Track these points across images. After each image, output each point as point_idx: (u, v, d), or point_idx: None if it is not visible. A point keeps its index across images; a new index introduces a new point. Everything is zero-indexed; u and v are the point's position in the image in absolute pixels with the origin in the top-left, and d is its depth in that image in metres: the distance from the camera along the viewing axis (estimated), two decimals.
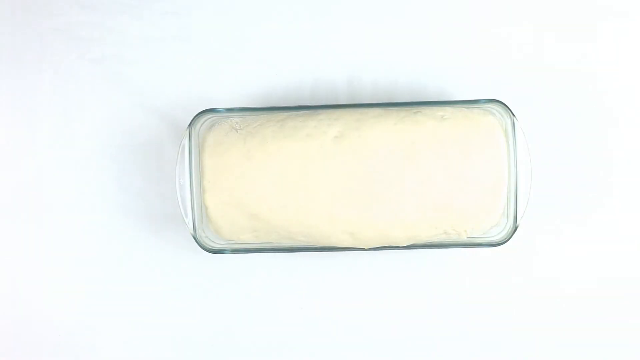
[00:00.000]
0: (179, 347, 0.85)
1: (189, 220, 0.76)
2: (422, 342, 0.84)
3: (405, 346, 0.84)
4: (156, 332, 0.85)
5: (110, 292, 0.85)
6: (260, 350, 0.85)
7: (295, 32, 0.83)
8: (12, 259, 0.85)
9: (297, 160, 0.73)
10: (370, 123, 0.74)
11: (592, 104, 0.83)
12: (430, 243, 0.77)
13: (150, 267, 0.84)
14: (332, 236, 0.74)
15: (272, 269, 0.84)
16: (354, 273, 0.84)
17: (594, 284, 0.83)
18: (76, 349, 0.85)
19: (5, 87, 0.85)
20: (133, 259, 0.84)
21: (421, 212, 0.73)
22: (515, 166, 0.74)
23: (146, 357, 0.85)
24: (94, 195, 0.84)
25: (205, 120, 0.77)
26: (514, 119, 0.74)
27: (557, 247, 0.83)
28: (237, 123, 0.76)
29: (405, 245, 0.75)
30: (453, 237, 0.75)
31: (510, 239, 0.76)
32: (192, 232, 0.76)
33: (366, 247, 0.76)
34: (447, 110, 0.75)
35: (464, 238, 0.75)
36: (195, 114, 0.77)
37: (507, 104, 0.75)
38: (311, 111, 0.76)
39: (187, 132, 0.76)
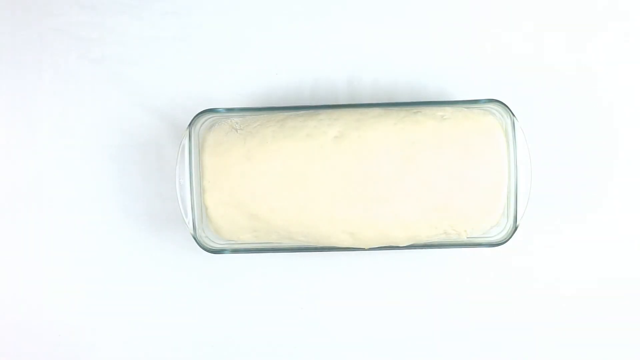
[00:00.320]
0: (179, 347, 0.85)
1: (189, 220, 0.76)
2: (422, 342, 0.84)
3: (405, 346, 0.84)
4: (156, 332, 0.85)
5: (110, 292, 0.85)
6: (261, 350, 0.85)
7: (295, 32, 0.84)
8: (12, 259, 0.85)
9: (297, 160, 0.73)
10: (370, 123, 0.74)
11: (592, 104, 0.83)
12: (430, 243, 0.77)
13: (150, 267, 0.84)
14: (332, 236, 0.74)
15: (272, 269, 0.84)
16: (354, 273, 0.84)
17: (594, 284, 0.83)
18: (76, 349, 0.85)
19: (5, 87, 0.85)
20: (133, 259, 0.84)
21: (421, 212, 0.73)
22: (515, 166, 0.74)
23: (146, 357, 0.85)
24: (94, 195, 0.84)
25: (205, 120, 0.77)
26: (514, 119, 0.74)
27: (557, 247, 0.83)
28: (237, 123, 0.76)
29: (405, 245, 0.75)
30: (453, 237, 0.75)
31: (510, 239, 0.75)
32: (192, 232, 0.76)
33: (366, 247, 0.76)
34: (447, 110, 0.75)
35: (464, 238, 0.75)
36: (195, 114, 0.77)
37: (507, 104, 0.75)
38: (311, 111, 0.76)
39: (187, 132, 0.76)
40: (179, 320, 0.85)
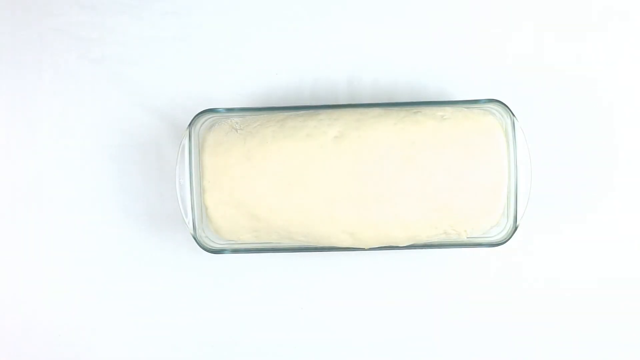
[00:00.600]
0: (179, 347, 0.85)
1: (189, 220, 0.76)
2: (422, 342, 0.84)
3: (405, 346, 0.84)
4: (156, 332, 0.85)
5: (110, 292, 0.85)
6: (260, 350, 0.85)
7: (295, 32, 0.84)
8: (12, 259, 0.85)
9: (297, 160, 0.73)
10: (370, 123, 0.74)
11: (592, 104, 0.83)
12: (430, 243, 0.77)
13: (150, 267, 0.84)
14: (332, 236, 0.74)
15: (272, 269, 0.84)
16: (354, 273, 0.84)
17: (594, 284, 0.83)
18: (76, 349, 0.85)
19: (5, 87, 0.85)
20: (133, 259, 0.84)
21: (421, 212, 0.73)
22: (515, 166, 0.74)
23: (146, 357, 0.85)
24: (94, 195, 0.84)
25: (205, 120, 0.77)
26: (514, 119, 0.74)
27: (557, 247, 0.83)
28: (237, 123, 0.76)
29: (405, 245, 0.75)
30: (453, 237, 0.75)
31: (510, 239, 0.75)
32: (192, 232, 0.76)
33: (366, 247, 0.76)
34: (447, 110, 0.75)
35: (464, 238, 0.75)
36: (195, 114, 0.77)
37: (507, 104, 0.75)
38: (311, 111, 0.76)
39: (187, 132, 0.76)
40: (178, 320, 0.85)
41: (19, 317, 0.85)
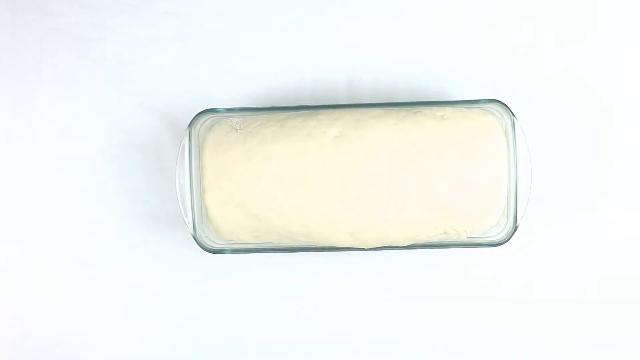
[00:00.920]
0: (179, 347, 0.85)
1: (189, 220, 0.76)
2: (422, 342, 0.84)
3: (405, 346, 0.84)
4: (156, 332, 0.85)
5: (110, 292, 0.85)
6: (260, 350, 0.85)
7: (295, 32, 0.83)
8: (12, 259, 0.85)
9: (297, 160, 0.73)
10: (370, 123, 0.74)
11: (591, 104, 0.83)
12: (430, 243, 0.77)
13: (150, 267, 0.84)
14: (332, 236, 0.74)
15: (272, 269, 0.84)
16: (354, 273, 0.84)
17: (594, 284, 0.83)
18: (76, 349, 0.85)
19: (5, 87, 0.85)
20: (133, 259, 0.84)
21: (421, 212, 0.73)
22: (515, 166, 0.74)
23: (146, 357, 0.85)
24: (94, 195, 0.84)
25: (205, 120, 0.77)
26: (514, 119, 0.74)
27: (557, 247, 0.83)
28: (237, 123, 0.76)
29: (405, 245, 0.75)
30: (453, 237, 0.75)
31: (510, 239, 0.76)
32: (192, 232, 0.76)
33: (366, 247, 0.76)
34: (447, 110, 0.75)
35: (464, 238, 0.75)
36: (195, 114, 0.77)
37: (507, 104, 0.75)
38: (311, 111, 0.76)
39: (187, 132, 0.76)
40: (178, 320, 0.85)
41: (19, 317, 0.85)
